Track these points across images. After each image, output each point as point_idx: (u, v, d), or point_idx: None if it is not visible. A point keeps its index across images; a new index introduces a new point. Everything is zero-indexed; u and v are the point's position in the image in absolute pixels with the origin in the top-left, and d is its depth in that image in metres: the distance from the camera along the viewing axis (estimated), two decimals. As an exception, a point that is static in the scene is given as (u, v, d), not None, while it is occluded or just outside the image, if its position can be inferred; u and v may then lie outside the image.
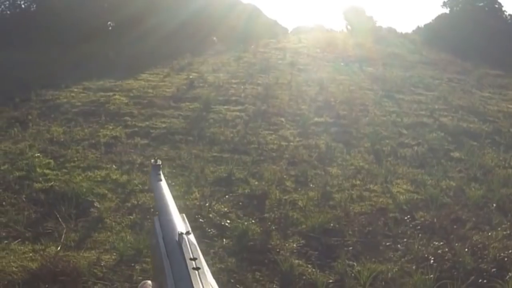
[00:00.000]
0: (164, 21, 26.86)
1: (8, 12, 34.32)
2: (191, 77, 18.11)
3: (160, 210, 1.32)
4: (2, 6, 34.39)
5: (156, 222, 1.24)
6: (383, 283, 5.69)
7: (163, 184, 1.51)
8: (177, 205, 1.25)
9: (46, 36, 26.41)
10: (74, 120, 12.57)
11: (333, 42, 28.13)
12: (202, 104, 14.09)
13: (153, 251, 1.21)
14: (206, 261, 0.99)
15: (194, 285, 0.91)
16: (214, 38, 26.56)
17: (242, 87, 16.49)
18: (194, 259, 0.99)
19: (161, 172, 1.59)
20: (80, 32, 26.95)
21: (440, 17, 41.61)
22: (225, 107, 13.91)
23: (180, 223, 1.20)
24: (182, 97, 15.03)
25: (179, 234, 1.09)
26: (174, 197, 1.32)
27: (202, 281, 0.93)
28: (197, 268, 0.96)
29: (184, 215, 1.25)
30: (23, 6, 34.31)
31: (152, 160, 1.67)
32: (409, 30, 45.46)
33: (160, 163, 1.64)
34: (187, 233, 1.09)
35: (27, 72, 19.12)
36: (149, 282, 1.11)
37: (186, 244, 1.04)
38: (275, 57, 23.26)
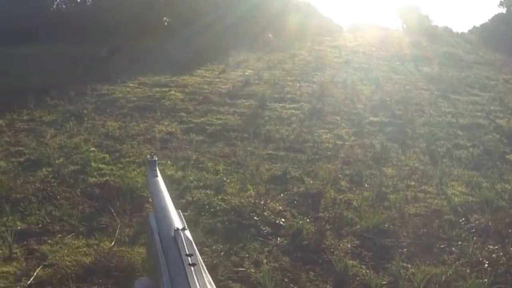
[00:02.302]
0: (220, 17, 26.94)
1: (64, 6, 34.75)
2: (246, 73, 18.18)
3: (156, 206, 1.33)
4: (58, 0, 34.85)
5: (152, 218, 1.25)
6: (437, 286, 5.63)
7: (159, 180, 1.53)
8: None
9: (101, 31, 26.68)
10: (130, 115, 12.72)
11: (388, 40, 27.96)
12: (258, 101, 14.14)
13: (149, 247, 1.24)
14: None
15: (189, 281, 0.92)
16: (270, 35, 26.53)
17: (298, 85, 16.49)
18: (190, 255, 1.00)
19: (157, 168, 1.60)
20: (135, 27, 27.18)
21: (497, 17, 41.05)
22: (281, 104, 13.94)
23: (176, 219, 1.21)
24: (238, 94, 15.10)
25: (175, 230, 1.10)
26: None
27: (198, 277, 0.93)
28: (193, 264, 0.96)
29: (180, 211, 1.26)
30: (78, 0, 34.71)
31: (148, 156, 1.70)
32: (465, 30, 44.92)
33: (156, 159, 1.66)
34: (183, 229, 1.10)
35: (82, 66, 19.41)
36: (145, 278, 1.12)
37: (182, 240, 1.05)
38: (330, 55, 23.18)
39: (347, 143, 10.84)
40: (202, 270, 0.95)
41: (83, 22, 28.72)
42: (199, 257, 0.99)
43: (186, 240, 1.05)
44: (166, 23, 31.83)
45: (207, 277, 0.94)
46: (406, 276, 5.73)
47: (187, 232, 1.08)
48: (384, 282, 5.67)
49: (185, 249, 1.02)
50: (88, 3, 34.34)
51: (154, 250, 1.11)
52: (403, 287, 5.59)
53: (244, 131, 11.40)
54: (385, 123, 12.48)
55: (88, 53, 22.11)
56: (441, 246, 6.56)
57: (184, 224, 1.16)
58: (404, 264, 6.03)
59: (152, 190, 1.50)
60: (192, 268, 0.95)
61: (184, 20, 28.41)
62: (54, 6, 34.42)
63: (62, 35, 26.72)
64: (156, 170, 1.59)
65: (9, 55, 22.82)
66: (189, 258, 0.98)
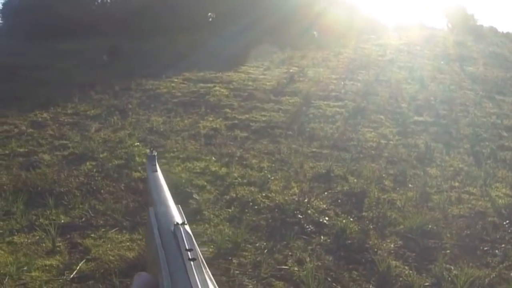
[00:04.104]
0: (265, 14, 26.91)
1: (109, 0, 34.96)
2: (291, 71, 18.15)
3: (156, 200, 1.31)
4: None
5: (151, 213, 1.23)
6: (479, 288, 5.66)
7: (159, 175, 1.51)
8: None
9: (146, 26, 26.81)
10: (174, 111, 12.81)
11: (433, 39, 27.68)
12: (302, 99, 14.15)
13: (148, 242, 1.21)
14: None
15: (189, 276, 0.90)
16: (315, 33, 26.46)
17: (342, 83, 16.43)
18: (190, 249, 0.98)
19: (156, 163, 1.59)
20: (180, 23, 27.29)
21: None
22: (325, 102, 13.91)
23: (176, 214, 1.20)
24: (282, 91, 15.09)
25: (174, 225, 1.08)
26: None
27: (198, 272, 0.91)
28: (193, 259, 0.94)
29: (180, 206, 1.25)
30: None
31: (148, 151, 1.67)
32: (511, 30, 44.37)
33: (156, 153, 1.64)
34: (183, 223, 1.08)
35: (127, 61, 19.57)
36: (144, 273, 1.07)
37: (182, 235, 1.03)
38: (375, 54, 23.03)
39: (391, 142, 10.81)
40: (202, 265, 0.94)
41: (128, 16, 28.85)
42: (199, 252, 0.98)
43: (185, 235, 1.03)
44: (211, 19, 31.90)
45: (207, 272, 0.93)
46: (449, 278, 5.70)
47: (187, 227, 1.07)
48: (427, 284, 5.65)
49: (184, 243, 1.00)
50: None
51: (154, 245, 1.09)
52: (446, 289, 5.60)
53: (288, 128, 11.41)
54: (429, 123, 12.40)
55: (134, 47, 22.27)
56: (485, 248, 6.52)
57: (184, 219, 1.16)
58: (447, 265, 5.99)
59: (151, 185, 1.48)
60: (192, 263, 0.94)
61: (230, 16, 28.44)
62: (99, 0, 34.65)
63: (106, 29, 26.89)
64: (155, 165, 1.59)
65: (54, 49, 23.10)
66: (188, 253, 0.97)
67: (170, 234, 1.08)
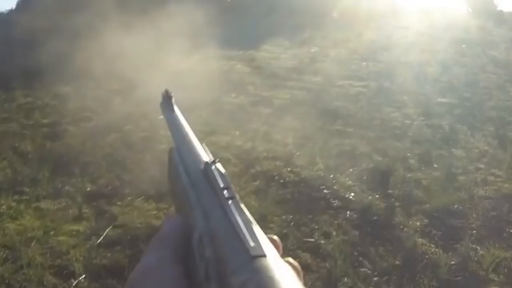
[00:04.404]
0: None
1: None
2: (312, 51, 18.13)
3: (178, 140, 1.24)
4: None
5: (175, 153, 1.17)
6: (505, 270, 5.61)
7: (179, 114, 1.40)
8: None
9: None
10: (196, 87, 12.72)
11: (454, 24, 27.57)
12: (325, 78, 14.10)
13: (173, 183, 1.14)
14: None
15: (229, 214, 0.84)
16: (334, 14, 26.43)
17: (364, 63, 16.38)
18: (226, 188, 0.91)
19: (173, 102, 1.45)
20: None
21: None
22: (347, 82, 13.85)
23: (203, 153, 1.12)
24: (305, 70, 15.05)
25: (205, 163, 1.01)
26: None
27: (237, 210, 0.85)
28: (230, 198, 0.88)
29: (204, 144, 1.16)
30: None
31: (163, 91, 1.51)
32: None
33: (173, 94, 1.48)
34: (213, 161, 1.00)
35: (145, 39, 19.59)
36: (176, 216, 1.01)
37: (215, 173, 0.96)
38: (396, 36, 22.92)
39: (415, 122, 10.73)
40: (240, 204, 0.87)
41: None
42: (235, 191, 0.90)
43: (219, 173, 0.97)
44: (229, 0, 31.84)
45: (246, 211, 0.86)
46: (475, 258, 5.71)
47: (219, 165, 0.99)
48: (452, 262, 5.63)
49: (218, 182, 0.94)
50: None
51: (181, 185, 1.04)
52: (472, 268, 5.57)
53: (312, 106, 11.35)
54: (453, 104, 12.30)
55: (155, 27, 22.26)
56: (511, 230, 6.50)
57: (212, 157, 1.07)
58: (473, 246, 5.98)
59: (171, 125, 1.37)
60: (230, 201, 0.88)
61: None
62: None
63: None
64: (172, 105, 1.45)
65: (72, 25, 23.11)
66: (225, 191, 0.90)
67: (199, 173, 1.02)
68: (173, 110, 1.41)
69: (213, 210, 0.88)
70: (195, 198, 0.95)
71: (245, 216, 0.83)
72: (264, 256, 0.68)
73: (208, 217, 0.88)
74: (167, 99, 1.46)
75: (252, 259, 0.68)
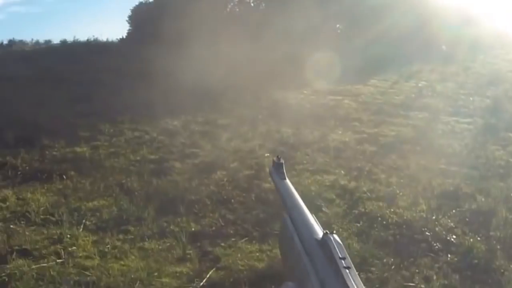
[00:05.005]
0: (393, 26, 26.81)
1: (237, 9, 35.68)
2: (419, 85, 18.13)
3: (290, 208, 1.35)
4: (232, 4, 35.85)
5: (288, 220, 1.27)
6: None
7: (289, 183, 1.53)
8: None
9: (274, 35, 26.94)
10: (303, 123, 12.91)
11: None
12: (431, 114, 14.11)
13: (287, 249, 1.23)
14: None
15: (348, 283, 0.93)
16: (443, 47, 26.21)
17: (471, 98, 16.25)
18: (343, 258, 1.01)
19: (284, 170, 1.60)
20: (308, 34, 27.37)
21: None
22: (454, 118, 13.82)
23: (313, 222, 1.23)
24: (411, 106, 15.11)
25: (324, 233, 1.10)
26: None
27: (355, 280, 0.95)
28: (348, 267, 0.98)
29: (313, 214, 1.27)
30: (252, 4, 35.60)
31: (275, 158, 1.68)
32: None
33: (283, 161, 1.63)
34: (332, 232, 1.10)
35: (255, 70, 19.77)
36: (291, 283, 1.09)
37: (333, 243, 1.05)
38: (505, 69, 22.45)
39: (521, 161, 10.60)
40: (356, 274, 0.98)
41: (256, 25, 29.08)
42: (351, 262, 1.02)
43: (336, 244, 1.06)
44: (339, 31, 31.99)
45: (360, 282, 0.97)
46: None
47: (336, 236, 1.09)
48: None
49: (337, 252, 1.03)
50: (261, 8, 35.05)
51: (295, 253, 1.13)
52: None
53: (417, 143, 11.32)
54: None
55: (261, 57, 22.43)
56: None
57: (321, 228, 1.18)
58: None
59: (283, 192, 1.50)
60: (348, 270, 0.98)
61: (357, 28, 28.49)
62: (228, 9, 35.44)
63: (235, 37, 27.17)
64: (283, 173, 1.59)
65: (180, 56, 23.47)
66: (343, 261, 1.00)
67: (314, 242, 1.11)
68: (284, 177, 1.58)
69: (329, 279, 0.98)
70: (310, 266, 1.06)
71: (361, 286, 0.94)
72: None
73: (324, 284, 0.99)
74: (278, 166, 1.64)
75: None
